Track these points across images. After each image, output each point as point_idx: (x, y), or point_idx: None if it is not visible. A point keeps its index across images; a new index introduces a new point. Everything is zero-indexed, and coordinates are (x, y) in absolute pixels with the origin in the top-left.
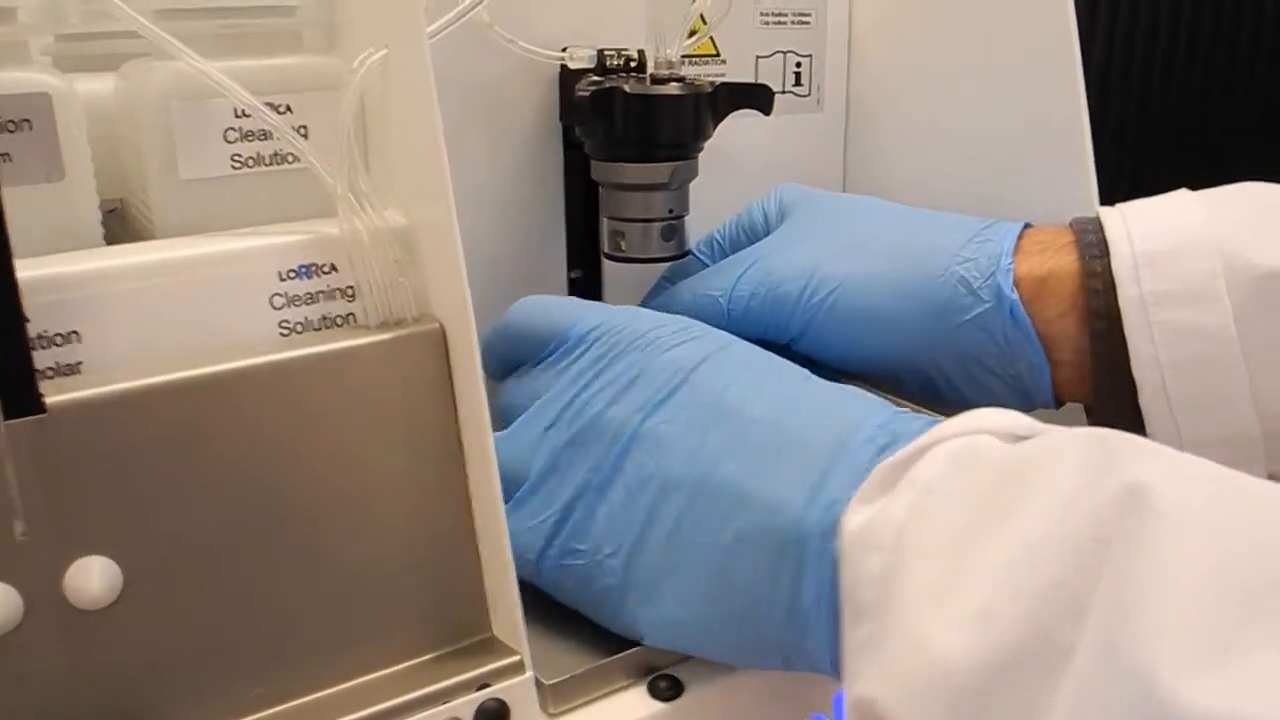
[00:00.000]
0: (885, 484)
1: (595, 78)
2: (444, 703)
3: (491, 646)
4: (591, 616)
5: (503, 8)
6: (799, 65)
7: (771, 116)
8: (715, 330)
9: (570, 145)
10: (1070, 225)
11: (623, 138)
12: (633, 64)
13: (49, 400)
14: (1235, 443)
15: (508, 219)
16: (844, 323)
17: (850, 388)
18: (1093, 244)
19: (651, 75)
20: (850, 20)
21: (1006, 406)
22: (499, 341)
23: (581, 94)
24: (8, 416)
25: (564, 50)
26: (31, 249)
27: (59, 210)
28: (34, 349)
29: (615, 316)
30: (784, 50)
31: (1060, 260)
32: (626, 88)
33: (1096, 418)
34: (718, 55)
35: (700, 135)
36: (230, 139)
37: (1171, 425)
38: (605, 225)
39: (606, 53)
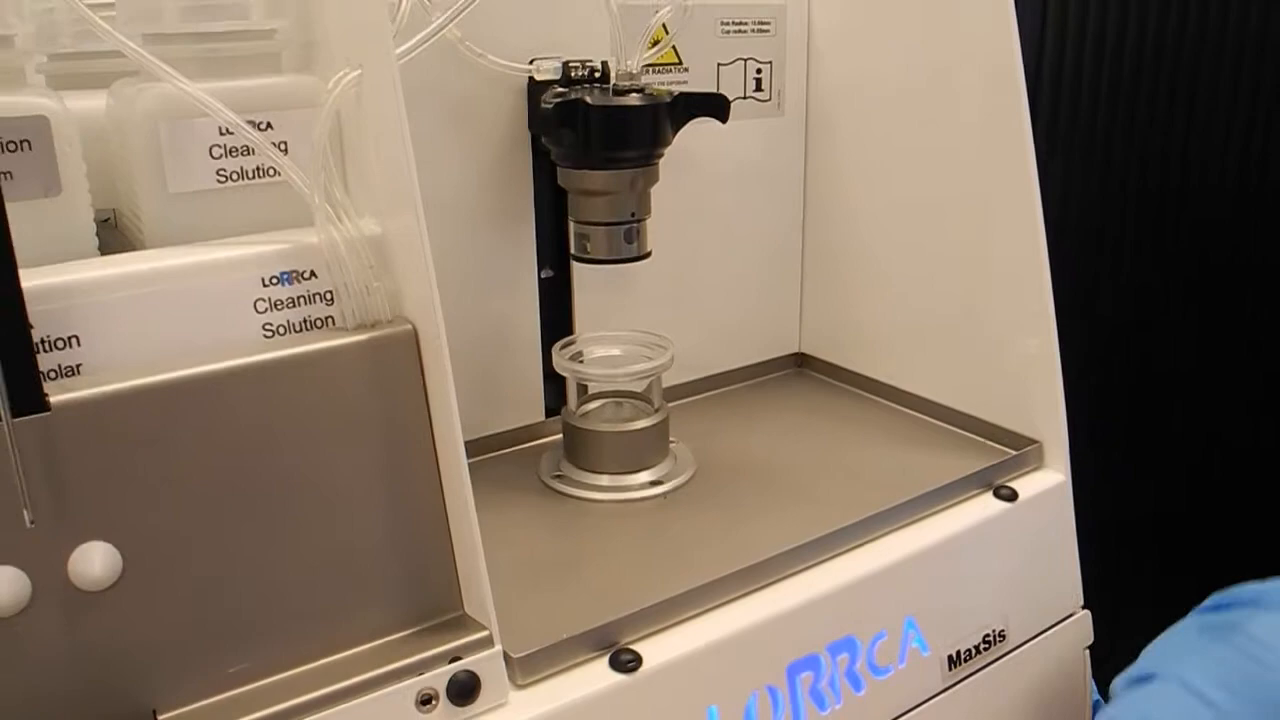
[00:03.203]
0: None
1: (560, 89)
2: (418, 675)
3: (463, 623)
4: None
5: (472, 22)
6: (759, 71)
7: (734, 120)
8: None
9: (538, 152)
10: None
11: (587, 147)
12: (597, 74)
13: (52, 399)
14: None
15: (481, 222)
16: None
17: None
18: None
19: (614, 86)
20: (809, 27)
21: None
22: None
23: (546, 106)
24: (15, 415)
25: (531, 62)
26: (32, 259)
27: (57, 223)
28: (37, 353)
29: None
30: (745, 58)
31: None
32: (589, 99)
33: None
34: (680, 64)
35: (660, 143)
36: (215, 155)
37: None
38: (572, 228)
39: (571, 64)
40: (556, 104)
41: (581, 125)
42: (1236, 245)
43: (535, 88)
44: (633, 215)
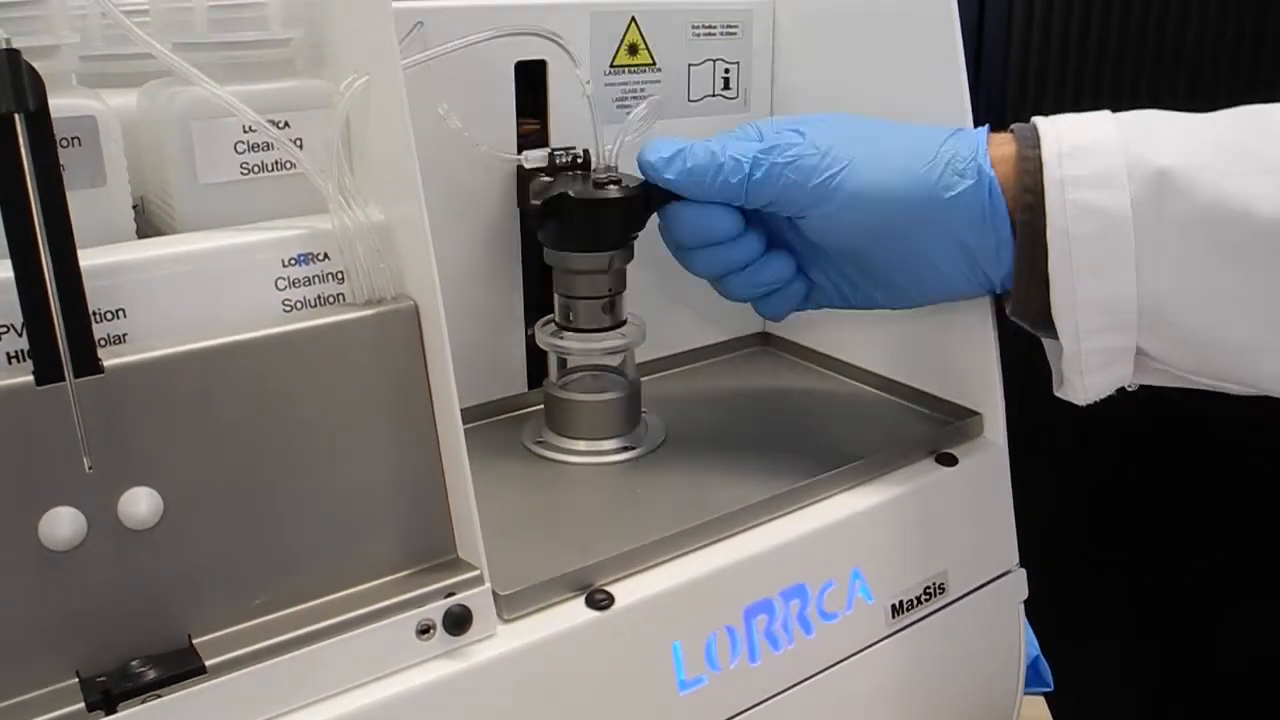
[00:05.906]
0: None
1: (546, 178)
2: (418, 607)
3: (456, 564)
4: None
5: (470, 116)
6: (728, 71)
7: (703, 116)
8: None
9: (527, 227)
10: (1012, 128)
11: (570, 235)
12: (579, 161)
13: (105, 363)
14: (1117, 306)
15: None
16: (849, 200)
17: None
18: (1029, 139)
19: (594, 179)
20: (774, 29)
21: (962, 291)
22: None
23: (534, 202)
24: (75, 376)
25: (521, 152)
26: (81, 243)
27: (102, 210)
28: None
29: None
30: (714, 58)
31: (1007, 149)
32: (572, 193)
33: (1015, 284)
34: (654, 64)
35: (635, 228)
36: (239, 150)
37: (1070, 286)
38: (557, 299)
39: (556, 152)
40: (544, 200)
41: (566, 216)
42: None
43: (524, 173)
44: (610, 290)
